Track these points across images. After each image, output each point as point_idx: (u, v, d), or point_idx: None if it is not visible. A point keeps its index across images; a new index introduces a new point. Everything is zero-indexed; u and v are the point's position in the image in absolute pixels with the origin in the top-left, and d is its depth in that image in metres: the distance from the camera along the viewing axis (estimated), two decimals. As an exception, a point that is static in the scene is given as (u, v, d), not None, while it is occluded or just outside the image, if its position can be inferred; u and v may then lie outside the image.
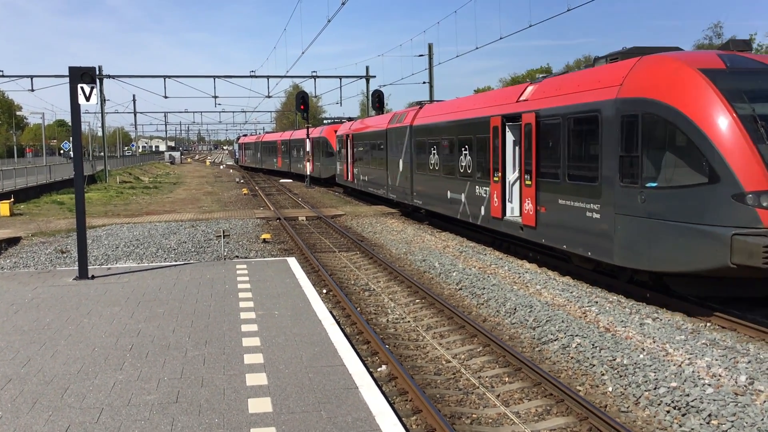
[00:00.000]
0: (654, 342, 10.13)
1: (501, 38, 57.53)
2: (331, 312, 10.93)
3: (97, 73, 56.14)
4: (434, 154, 23.98)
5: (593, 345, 10.23)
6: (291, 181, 59.71)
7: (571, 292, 13.54)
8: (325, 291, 15.04)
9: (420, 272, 17.29)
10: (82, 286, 13.05)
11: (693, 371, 8.83)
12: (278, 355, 8.51)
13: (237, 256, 19.05)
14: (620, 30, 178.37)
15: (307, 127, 50.83)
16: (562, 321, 11.53)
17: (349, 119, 49.01)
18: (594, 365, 9.59)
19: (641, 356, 9.52)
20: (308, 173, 49.73)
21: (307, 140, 50.02)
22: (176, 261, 18.51)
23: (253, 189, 49.62)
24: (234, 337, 9.30)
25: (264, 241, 22.21)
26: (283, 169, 66.44)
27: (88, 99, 12.00)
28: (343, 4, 25.50)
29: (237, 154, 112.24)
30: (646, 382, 8.71)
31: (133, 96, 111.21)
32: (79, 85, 11.94)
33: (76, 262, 18.71)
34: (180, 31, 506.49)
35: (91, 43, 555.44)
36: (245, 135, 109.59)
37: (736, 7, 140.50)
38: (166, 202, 39.22)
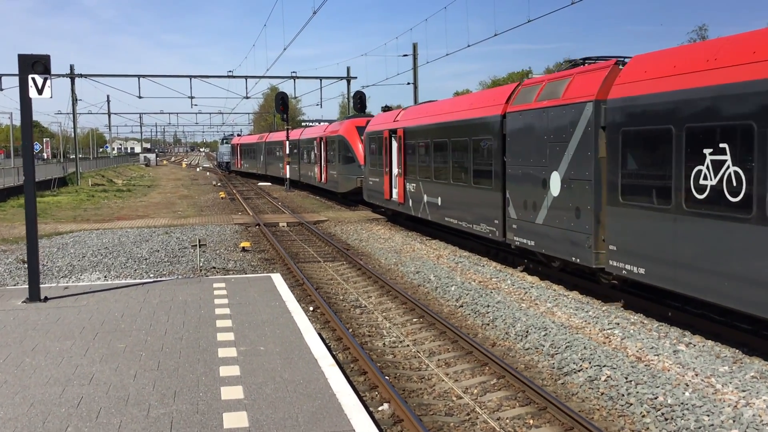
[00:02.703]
0: (696, 375, 8.82)
1: (468, 45, 56.50)
2: (328, 347, 9.30)
3: (70, 72, 54.32)
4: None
5: (626, 378, 8.90)
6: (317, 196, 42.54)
7: (587, 312, 12.21)
8: (311, 308, 13.59)
9: (414, 286, 15.90)
10: (32, 311, 11.21)
11: (753, 415, 7.51)
12: (267, 414, 6.78)
13: (214, 268, 17.53)
14: (600, 32, 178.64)
15: (287, 129, 49.18)
16: (584, 347, 10.19)
17: (370, 115, 37.44)
18: (631, 404, 8.25)
19: (687, 394, 8.20)
20: (287, 176, 48.08)
21: (287, 141, 48.35)
22: (147, 272, 16.96)
23: (231, 193, 47.94)
24: (210, 386, 7.55)
25: (243, 249, 20.71)
26: (292, 177, 49.12)
27: (40, 92, 10.39)
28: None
29: (226, 157, 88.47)
30: (700, 429, 7.38)
31: (107, 96, 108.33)
32: (30, 76, 10.37)
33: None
34: (156, 32, 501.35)
35: (65, 43, 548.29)
36: (236, 135, 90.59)
37: (722, 11, 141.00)
38: (139, 206, 37.48)
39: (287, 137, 48.52)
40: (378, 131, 27.29)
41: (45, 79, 10.42)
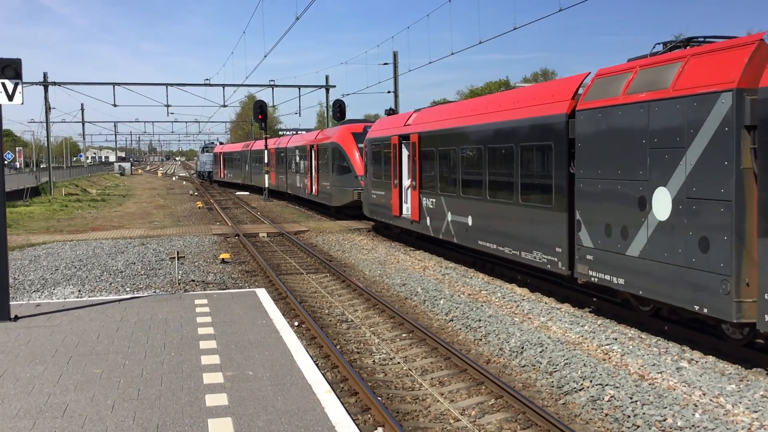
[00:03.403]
0: (704, 395, 8.45)
1: (452, 53, 56.36)
2: (322, 372, 8.69)
3: (43, 79, 53.30)
4: None
5: (631, 398, 8.50)
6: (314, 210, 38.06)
7: (582, 326, 11.83)
8: (296, 323, 13.07)
9: (401, 299, 15.44)
10: (0, 331, 10.55)
11: (769, 438, 7.15)
12: (260, 450, 6.13)
13: (193, 281, 16.94)
14: (574, 44, 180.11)
15: (266, 138, 48.59)
16: (584, 364, 9.79)
17: (367, 120, 35.22)
18: (639, 426, 7.84)
19: (697, 415, 7.81)
20: (266, 185, 47.43)
21: (266, 150, 47.74)
22: (123, 285, 16.32)
23: (208, 202, 47.20)
24: (197, 418, 6.94)
25: (223, 261, 20.11)
26: (280, 189, 46.61)
27: (11, 98, 9.78)
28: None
29: (207, 166, 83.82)
30: (716, 453, 7.00)
31: (81, 105, 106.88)
32: (0, 81, 9.77)
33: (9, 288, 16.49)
34: (131, 40, 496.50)
35: (39, 51, 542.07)
36: (217, 143, 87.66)
37: (698, 20, 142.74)
38: (114, 216, 36.65)
39: (266, 145, 47.92)
40: (383, 137, 23.75)
41: (16, 85, 9.82)
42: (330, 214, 34.30)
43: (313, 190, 35.98)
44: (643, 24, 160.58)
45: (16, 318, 11.32)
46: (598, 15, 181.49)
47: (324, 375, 8.57)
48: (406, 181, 21.95)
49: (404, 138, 21.89)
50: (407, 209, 21.99)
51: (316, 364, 9.01)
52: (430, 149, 19.72)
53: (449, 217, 18.32)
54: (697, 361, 9.87)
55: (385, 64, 41.82)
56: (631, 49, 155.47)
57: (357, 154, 29.93)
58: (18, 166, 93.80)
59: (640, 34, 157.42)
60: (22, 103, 9.96)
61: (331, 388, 7.99)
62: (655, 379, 9.10)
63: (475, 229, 17.12)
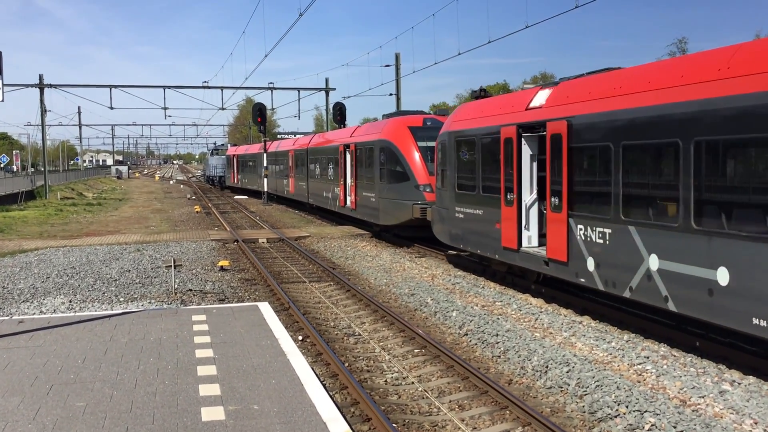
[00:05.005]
0: (756, 424, 7.64)
1: (459, 53, 55.23)
2: (338, 405, 7.72)
3: (39, 81, 52.46)
4: None
5: (675, 427, 7.68)
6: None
7: (609, 342, 11.01)
8: (300, 338, 12.24)
9: (410, 310, 14.63)
10: None
11: (841, 478, 6.34)
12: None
13: (190, 290, 16.10)
14: (572, 49, 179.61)
15: (265, 141, 47.72)
16: (617, 386, 8.98)
17: (420, 111, 26.31)
18: (688, 461, 7.04)
19: (753, 449, 7.01)
20: (264, 190, 46.56)
21: (264, 153, 46.87)
22: (117, 295, 15.48)
23: (206, 206, 46.35)
24: None
25: (222, 268, 19.29)
26: (298, 198, 38.94)
27: (-9, 95, 9.01)
28: None
29: (218, 170, 74.66)
30: (783, 496, 6.19)
31: (78, 108, 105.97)
32: (-21, 77, 8.95)
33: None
34: (129, 44, 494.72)
35: (36, 54, 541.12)
36: (229, 145, 78.30)
37: (701, 24, 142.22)
38: (109, 221, 35.79)
39: (265, 149, 47.07)
40: (480, 129, 16.55)
41: (-5, 81, 9.00)
42: (329, 218, 33.30)
43: (348, 203, 28.59)
44: (649, 28, 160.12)
45: (-4, 336, 10.34)
46: (604, 18, 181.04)
47: (341, 410, 7.61)
48: (529, 196, 14.91)
49: (528, 128, 14.70)
50: (532, 239, 14.93)
51: (329, 394, 8.12)
52: (602, 145, 12.00)
53: (653, 263, 10.72)
54: (739, 383, 9.07)
55: (387, 66, 41.04)
56: (629, 54, 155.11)
57: (417, 156, 22.81)
58: (15, 170, 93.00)
59: (641, 38, 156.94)
60: (2, 100, 9.16)
61: (350, 427, 7.06)
62: (698, 404, 8.29)
63: (740, 293, 9.14)
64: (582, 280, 12.53)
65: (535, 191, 14.88)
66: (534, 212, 14.93)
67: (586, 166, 12.66)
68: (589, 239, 12.34)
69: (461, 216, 17.66)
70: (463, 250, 18.21)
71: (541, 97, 14.37)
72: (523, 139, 14.82)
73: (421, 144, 23.01)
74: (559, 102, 13.51)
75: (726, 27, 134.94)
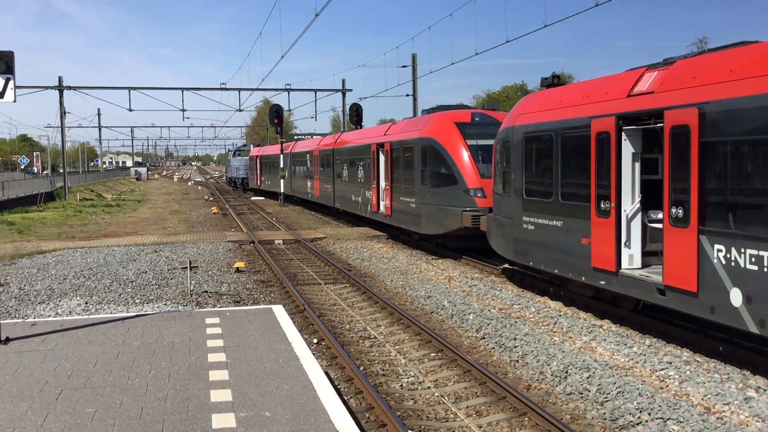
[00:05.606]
0: (784, 432, 7.40)
1: (477, 53, 54.78)
2: (352, 412, 7.49)
3: (58, 83, 52.84)
4: None
5: (699, 436, 7.46)
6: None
7: (630, 347, 10.77)
8: (315, 340, 12.12)
9: (427, 313, 14.45)
10: None
11: None
12: None
13: (206, 292, 16.03)
14: (591, 48, 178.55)
15: (281, 142, 47.70)
16: (639, 393, 8.76)
17: (464, 106, 24.10)
18: (713, 471, 6.81)
19: (781, 459, 6.77)
20: (281, 191, 46.53)
21: (289, 154, 46.83)
22: (133, 297, 15.43)
23: (223, 207, 46.44)
24: None
25: (237, 270, 19.22)
26: (323, 202, 36.52)
27: (1, 95, 8.92)
28: None
29: (241, 171, 71.34)
30: None
31: (98, 110, 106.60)
32: (-11, 76, 8.86)
33: (13, 299, 15.65)
34: (148, 46, 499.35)
35: (56, 57, 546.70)
36: (251, 147, 72.90)
37: (723, 21, 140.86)
38: (128, 222, 35.92)
39: (281, 150, 47.07)
40: (560, 123, 13.58)
41: (7, 80, 8.90)
42: (345, 219, 33.20)
43: (381, 208, 26.00)
44: (655, 28, 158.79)
45: (8, 340, 10.15)
46: (610, 21, 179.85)
47: (354, 418, 7.42)
48: (630, 205, 11.93)
49: (631, 119, 11.71)
50: (634, 260, 12.03)
51: (343, 400, 7.92)
52: (758, 138, 9.07)
53: None
54: (764, 390, 8.81)
55: (404, 66, 40.87)
56: (647, 54, 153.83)
57: (466, 156, 20.05)
58: (35, 171, 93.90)
59: (659, 38, 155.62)
60: (14, 101, 9.09)
61: (356, 419, 6.91)
62: (723, 412, 8.05)
63: None
64: (721, 317, 9.57)
65: (638, 199, 11.89)
66: (636, 225, 11.94)
67: (730, 167, 9.51)
68: (733, 264, 9.31)
69: (531, 227, 14.73)
70: (533, 267, 15.04)
71: (651, 80, 11.29)
72: (623, 134, 11.78)
73: (470, 142, 20.26)
74: (683, 84, 10.40)
75: (747, 26, 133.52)
